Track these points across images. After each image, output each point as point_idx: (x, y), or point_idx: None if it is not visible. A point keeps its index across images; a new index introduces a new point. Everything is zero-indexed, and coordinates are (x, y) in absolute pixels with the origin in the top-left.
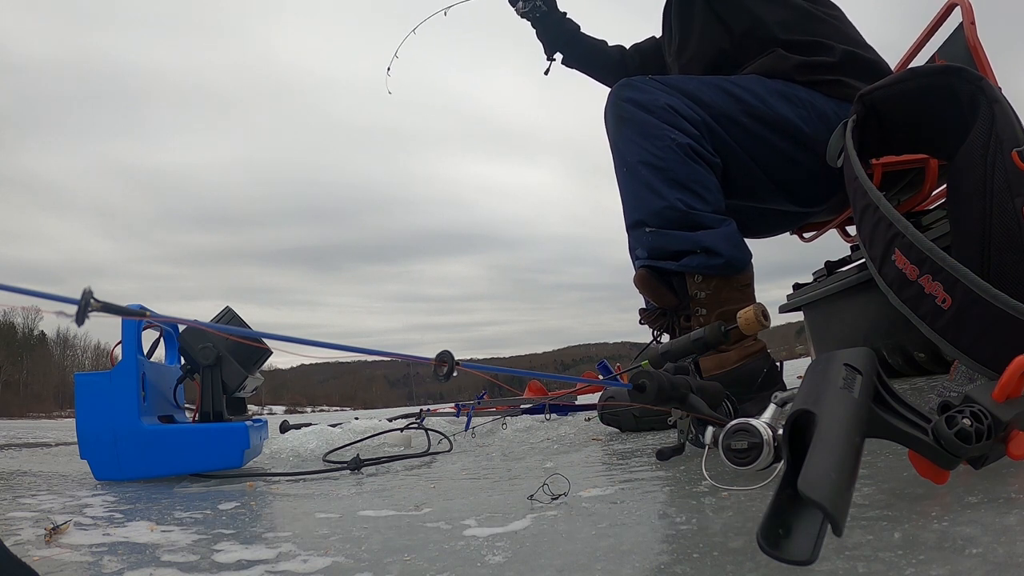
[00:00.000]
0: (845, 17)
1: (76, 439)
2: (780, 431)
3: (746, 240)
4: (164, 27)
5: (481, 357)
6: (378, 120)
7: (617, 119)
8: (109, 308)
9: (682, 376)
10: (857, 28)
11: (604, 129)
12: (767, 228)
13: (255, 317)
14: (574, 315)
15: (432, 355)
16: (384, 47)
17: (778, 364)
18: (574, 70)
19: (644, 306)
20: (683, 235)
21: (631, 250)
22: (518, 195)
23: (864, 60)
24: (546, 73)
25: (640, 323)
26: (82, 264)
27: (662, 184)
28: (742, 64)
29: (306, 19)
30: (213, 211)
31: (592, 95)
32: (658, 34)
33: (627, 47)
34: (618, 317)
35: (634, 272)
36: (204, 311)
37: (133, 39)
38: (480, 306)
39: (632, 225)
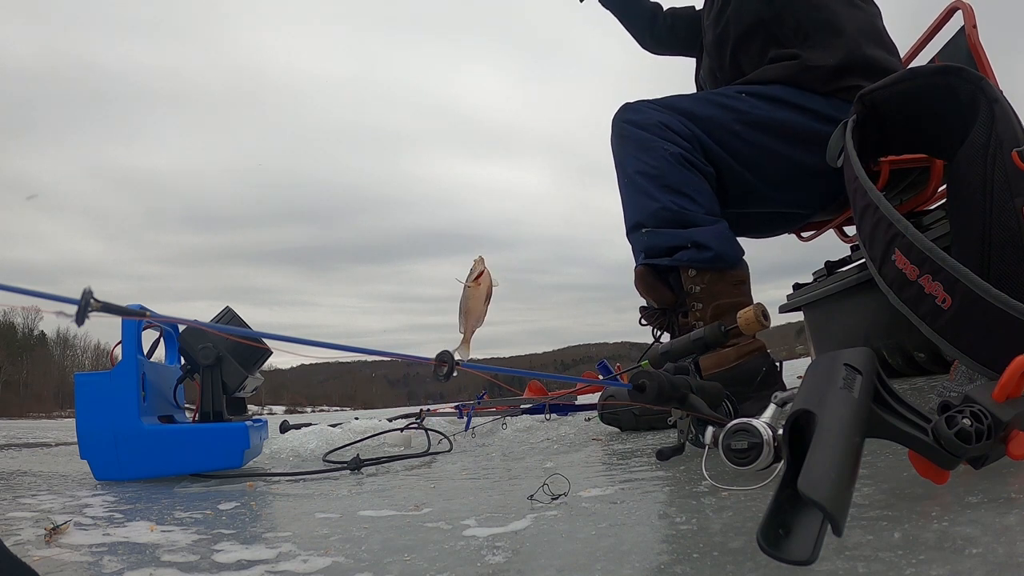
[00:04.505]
0: (879, 13)
1: (76, 439)
2: (780, 431)
3: (750, 239)
4: (151, 30)
5: (480, 357)
6: (365, 120)
7: (620, 138)
8: (109, 308)
9: (682, 376)
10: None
11: (602, 143)
12: (770, 228)
13: (250, 317)
14: (573, 315)
15: (431, 355)
16: (368, 48)
17: (777, 364)
18: (608, 12)
19: (645, 305)
20: (675, 232)
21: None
22: (507, 195)
23: (884, 64)
24: (581, 1)
25: (640, 323)
26: (74, 264)
27: (656, 189)
28: (778, 40)
29: (290, 20)
30: (202, 212)
31: (576, 97)
32: (699, 5)
33: (664, 8)
34: (616, 318)
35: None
36: (197, 311)
37: (119, 43)
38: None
39: (631, 229)
